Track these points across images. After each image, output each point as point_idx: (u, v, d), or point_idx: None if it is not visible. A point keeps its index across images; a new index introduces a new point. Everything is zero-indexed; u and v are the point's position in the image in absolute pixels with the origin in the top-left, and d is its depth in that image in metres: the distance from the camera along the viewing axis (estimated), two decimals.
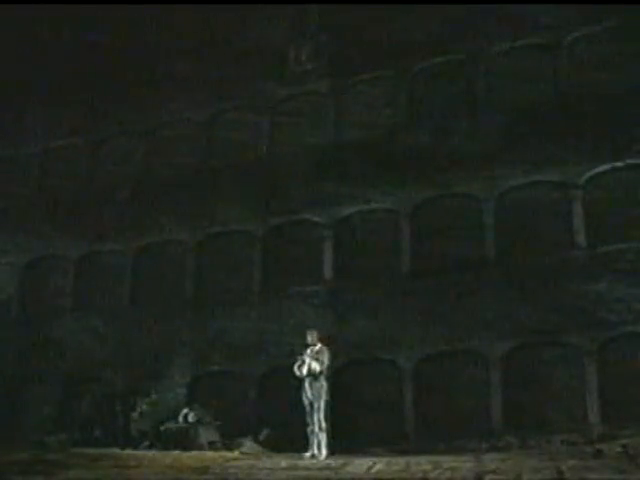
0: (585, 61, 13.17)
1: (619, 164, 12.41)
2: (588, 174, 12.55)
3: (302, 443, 10.56)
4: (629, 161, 12.36)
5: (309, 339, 10.84)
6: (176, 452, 11.32)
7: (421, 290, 13.02)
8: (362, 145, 14.30)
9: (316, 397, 10.49)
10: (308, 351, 10.77)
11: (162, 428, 12.63)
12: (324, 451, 10.30)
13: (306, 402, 10.59)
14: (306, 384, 10.60)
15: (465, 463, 8.87)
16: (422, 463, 8.89)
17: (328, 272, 13.79)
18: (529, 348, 12.15)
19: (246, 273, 14.43)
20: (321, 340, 10.86)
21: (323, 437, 10.38)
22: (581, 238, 12.33)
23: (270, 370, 13.48)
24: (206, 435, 12.29)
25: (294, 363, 10.77)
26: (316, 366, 10.53)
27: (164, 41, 16.46)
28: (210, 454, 11.13)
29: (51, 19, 16.85)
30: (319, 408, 10.46)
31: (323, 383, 10.57)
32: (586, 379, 11.63)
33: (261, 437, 12.27)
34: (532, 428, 11.47)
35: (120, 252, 15.61)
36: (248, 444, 11.79)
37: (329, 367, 10.80)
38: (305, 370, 10.58)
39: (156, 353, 14.39)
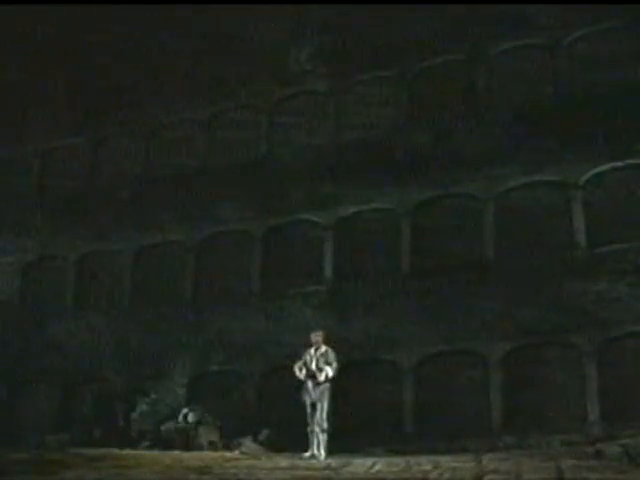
0: (585, 61, 13.18)
1: (619, 164, 12.42)
2: (588, 174, 12.56)
3: (302, 443, 10.55)
4: (629, 161, 12.37)
5: (314, 340, 10.75)
6: (176, 452, 11.31)
7: (421, 290, 13.02)
8: (362, 145, 14.30)
9: (320, 398, 10.45)
10: (312, 351, 10.69)
11: (162, 428, 12.63)
12: (323, 451, 10.28)
13: (308, 402, 10.55)
14: (309, 384, 10.53)
15: (465, 463, 8.86)
16: (422, 463, 8.88)
17: (328, 272, 13.79)
18: (529, 348, 12.15)
19: (246, 273, 14.43)
20: (326, 341, 10.80)
21: (323, 437, 10.36)
22: (581, 238, 12.33)
23: (270, 370, 13.48)
24: (206, 435, 12.29)
25: (295, 364, 10.74)
26: (329, 371, 10.47)
27: (164, 41, 16.46)
28: (210, 454, 11.12)
29: (51, 19, 16.84)
30: (322, 408, 10.41)
31: (327, 384, 10.53)
32: (586, 379, 11.63)
33: (261, 437, 12.26)
34: (532, 428, 11.46)
35: (120, 252, 15.61)
36: (248, 444, 11.79)
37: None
38: (322, 377, 10.47)
39: (156, 353, 14.38)
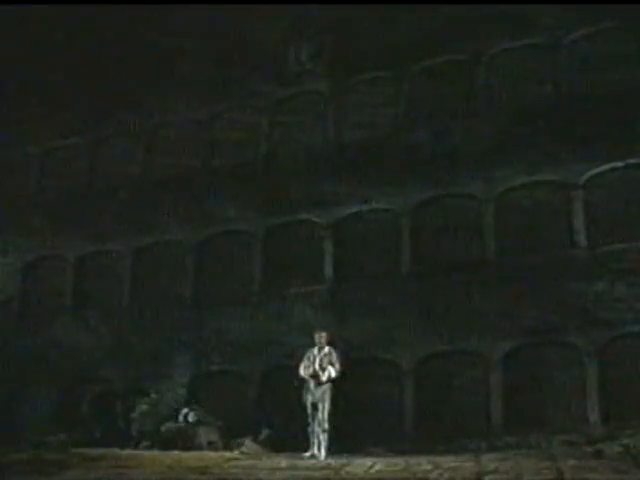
0: (585, 61, 13.17)
1: (619, 164, 12.41)
2: (588, 174, 12.55)
3: (302, 443, 10.56)
4: (629, 161, 12.36)
5: (317, 340, 10.79)
6: (176, 452, 11.32)
7: (421, 290, 13.02)
8: (362, 145, 14.29)
9: (321, 398, 10.47)
10: (315, 351, 10.72)
11: (162, 428, 12.63)
12: (324, 451, 10.29)
13: (309, 402, 10.56)
14: (311, 385, 10.57)
15: (465, 463, 8.87)
16: (422, 463, 8.89)
17: (328, 272, 13.78)
18: (529, 348, 12.15)
19: (246, 273, 14.43)
20: (329, 341, 10.82)
21: (324, 438, 10.37)
22: (581, 238, 12.32)
23: (270, 370, 13.48)
24: (206, 435, 12.29)
25: (299, 363, 10.75)
26: (332, 371, 10.51)
27: (164, 41, 16.45)
28: (210, 454, 11.13)
29: (51, 19, 16.84)
30: (323, 409, 10.44)
31: (330, 384, 10.54)
32: (586, 379, 11.62)
33: (261, 437, 12.26)
34: (532, 428, 11.46)
35: (120, 252, 15.60)
36: (248, 444, 11.78)
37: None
38: (325, 377, 10.52)
39: (156, 353, 14.38)
